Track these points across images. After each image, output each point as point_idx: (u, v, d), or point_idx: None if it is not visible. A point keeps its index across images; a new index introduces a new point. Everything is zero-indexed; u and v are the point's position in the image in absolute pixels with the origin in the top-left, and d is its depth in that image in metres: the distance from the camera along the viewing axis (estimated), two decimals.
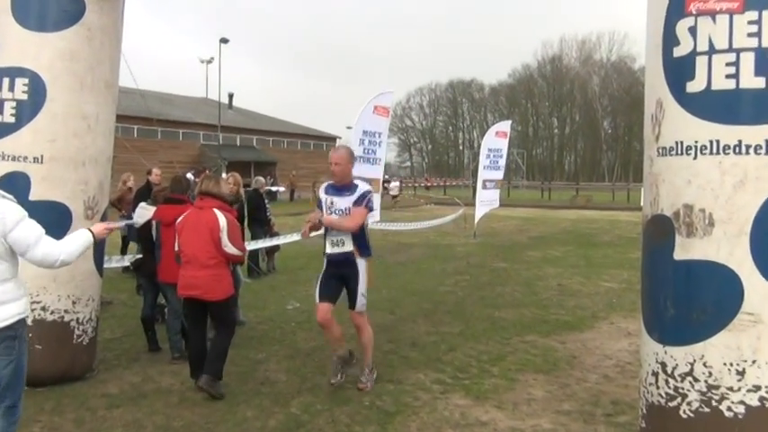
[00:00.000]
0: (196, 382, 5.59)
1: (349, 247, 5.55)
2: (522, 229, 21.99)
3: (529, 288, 10.69)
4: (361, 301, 5.62)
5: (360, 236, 5.55)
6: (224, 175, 9.09)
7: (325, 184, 5.67)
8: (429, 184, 57.64)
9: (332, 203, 5.55)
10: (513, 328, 7.91)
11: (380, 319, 8.37)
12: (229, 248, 5.55)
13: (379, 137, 13.47)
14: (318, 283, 5.63)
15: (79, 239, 3.90)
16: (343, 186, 5.58)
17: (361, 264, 5.60)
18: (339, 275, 5.58)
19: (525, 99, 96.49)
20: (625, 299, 9.73)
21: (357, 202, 5.50)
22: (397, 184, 42.16)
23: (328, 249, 5.60)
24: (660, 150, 3.65)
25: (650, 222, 3.76)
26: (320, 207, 5.63)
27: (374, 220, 13.86)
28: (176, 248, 5.72)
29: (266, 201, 11.82)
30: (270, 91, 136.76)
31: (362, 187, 5.58)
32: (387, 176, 49.18)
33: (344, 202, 5.53)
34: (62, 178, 5.55)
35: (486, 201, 19.23)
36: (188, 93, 54.81)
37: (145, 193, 9.12)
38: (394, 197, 37.09)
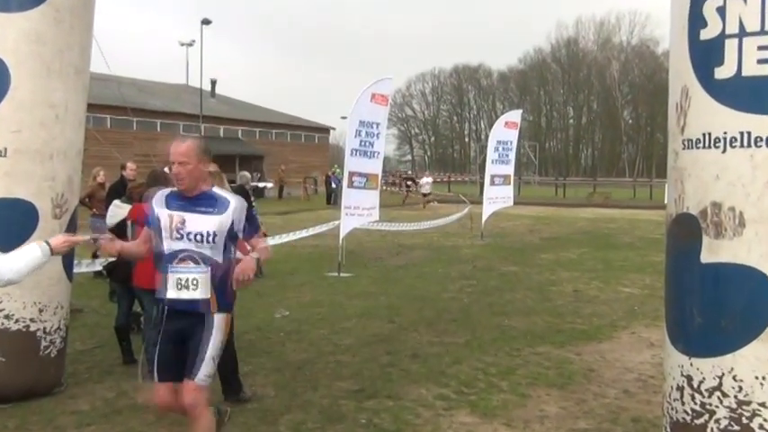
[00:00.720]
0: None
1: (203, 292, 3.98)
2: (534, 230, 22.01)
3: (541, 294, 10.70)
4: (205, 368, 3.95)
5: (222, 278, 4.02)
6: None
7: (161, 193, 4.14)
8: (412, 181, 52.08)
9: (182, 223, 3.98)
10: (523, 337, 7.92)
11: (378, 328, 8.37)
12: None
13: (377, 128, 13.49)
14: (156, 349, 4.08)
15: (29, 255, 3.68)
16: (196, 197, 4.02)
17: (217, 321, 4.02)
18: (181, 335, 4.02)
19: (537, 86, 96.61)
20: (647, 306, 9.74)
21: (250, 231, 4.14)
22: (429, 180, 36.96)
23: (170, 293, 3.99)
24: (686, 143, 3.65)
25: (675, 222, 3.76)
26: (152, 225, 4.09)
27: (372, 219, 13.88)
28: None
29: (252, 198, 11.81)
30: (257, 77, 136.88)
31: (233, 200, 4.05)
32: (409, 172, 48.43)
33: (206, 222, 3.96)
34: (27, 173, 5.54)
35: (495, 198, 19.26)
36: (166, 79, 54.81)
37: (119, 190, 9.12)
38: (425, 196, 33.86)
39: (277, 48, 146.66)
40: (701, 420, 3.59)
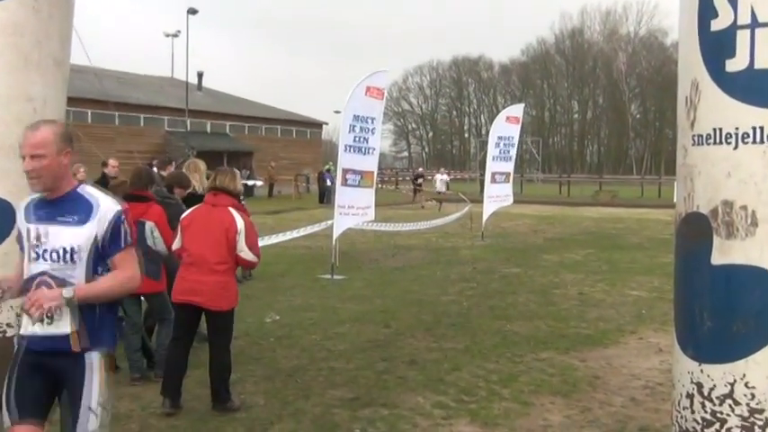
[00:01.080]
0: (163, 403, 5.63)
1: (65, 327, 3.26)
2: (537, 230, 22.04)
3: (545, 297, 10.72)
4: (89, 425, 3.26)
5: (90, 309, 3.30)
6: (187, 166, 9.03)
7: (24, 202, 3.49)
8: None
9: (39, 239, 3.31)
10: (526, 343, 7.93)
11: (374, 333, 8.38)
12: (245, 253, 5.72)
13: (373, 122, 13.49)
14: (9, 383, 3.34)
15: None
16: (59, 201, 3.34)
17: (90, 361, 3.30)
18: (44, 373, 3.33)
19: (541, 79, 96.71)
20: (655, 310, 9.77)
21: (116, 242, 3.33)
22: (445, 177, 34.76)
23: (24, 329, 3.37)
24: (696, 138, 3.66)
25: (684, 221, 3.77)
26: (20, 244, 3.44)
27: (367, 219, 13.88)
28: (176, 246, 5.89)
29: (241, 197, 11.81)
30: (246, 70, 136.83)
31: (105, 203, 3.35)
32: (420, 169, 47.74)
33: (65, 234, 3.28)
34: (3, 170, 5.53)
35: (496, 196, 19.27)
36: (151, 72, 54.70)
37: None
38: (438, 194, 32.21)
39: (267, 38, 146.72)
40: (712, 429, 3.60)
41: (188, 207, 6.47)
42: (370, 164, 13.65)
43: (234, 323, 5.97)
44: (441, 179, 33.96)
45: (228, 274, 5.73)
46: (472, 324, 8.87)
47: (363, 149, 13.34)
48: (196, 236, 5.72)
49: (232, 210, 5.78)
